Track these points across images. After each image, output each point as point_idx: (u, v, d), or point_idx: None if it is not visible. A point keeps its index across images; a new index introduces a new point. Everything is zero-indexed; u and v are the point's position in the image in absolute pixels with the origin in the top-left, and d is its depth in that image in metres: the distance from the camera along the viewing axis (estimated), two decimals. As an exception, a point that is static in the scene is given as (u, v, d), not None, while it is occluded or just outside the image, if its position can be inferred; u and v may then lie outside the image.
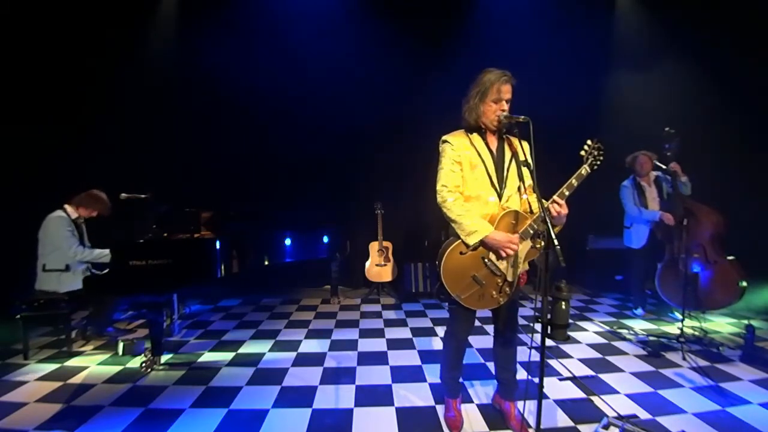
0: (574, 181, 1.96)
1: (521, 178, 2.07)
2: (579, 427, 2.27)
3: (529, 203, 2.06)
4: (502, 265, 2.02)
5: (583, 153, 1.98)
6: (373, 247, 5.15)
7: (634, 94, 5.07)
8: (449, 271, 2.01)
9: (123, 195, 3.39)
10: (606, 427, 2.22)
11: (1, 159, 4.06)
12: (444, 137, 2.11)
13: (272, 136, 5.08)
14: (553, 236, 1.66)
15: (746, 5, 4.30)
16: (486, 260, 2.01)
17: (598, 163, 1.99)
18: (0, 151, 4.06)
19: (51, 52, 4.41)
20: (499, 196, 2.05)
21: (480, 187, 2.04)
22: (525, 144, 2.09)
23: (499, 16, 5.10)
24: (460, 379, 2.42)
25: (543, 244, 1.98)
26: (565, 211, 1.91)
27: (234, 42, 4.98)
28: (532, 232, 1.98)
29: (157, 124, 4.89)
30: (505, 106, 2.00)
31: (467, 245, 1.98)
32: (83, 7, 4.50)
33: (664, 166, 3.63)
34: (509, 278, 2.03)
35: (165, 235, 3.45)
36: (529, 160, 2.01)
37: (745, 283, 3.46)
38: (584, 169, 1.97)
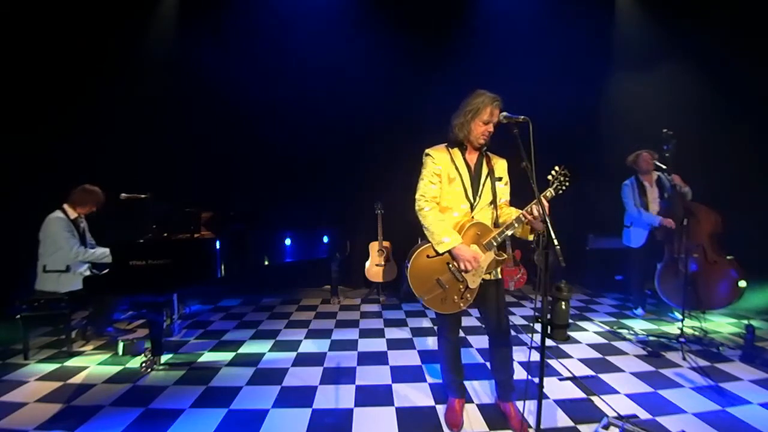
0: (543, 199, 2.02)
1: (494, 193, 2.22)
2: (579, 427, 2.27)
3: (497, 216, 2.21)
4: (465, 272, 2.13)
5: (550, 177, 2.10)
6: (373, 247, 5.14)
7: (633, 95, 5.06)
8: (416, 272, 2.16)
9: (123, 195, 3.39)
10: (606, 427, 2.22)
11: (1, 159, 4.06)
12: (427, 150, 2.26)
13: (272, 136, 5.07)
14: (553, 235, 1.66)
15: (746, 5, 4.30)
16: (450, 265, 2.15)
17: (564, 188, 2.11)
18: (0, 151, 4.06)
19: (50, 53, 4.41)
20: (472, 207, 2.20)
21: (455, 199, 2.20)
22: (503, 162, 2.28)
23: (499, 17, 5.10)
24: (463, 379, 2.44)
25: (505, 256, 2.17)
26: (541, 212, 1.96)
27: (234, 42, 4.98)
28: (495, 244, 2.14)
29: (157, 124, 4.89)
30: (492, 129, 2.14)
31: (436, 252, 2.13)
32: (84, 8, 4.49)
33: (663, 167, 3.64)
34: (471, 285, 2.14)
35: (165, 235, 3.45)
36: (506, 178, 2.26)
37: (744, 283, 3.46)
38: (549, 192, 2.10)
